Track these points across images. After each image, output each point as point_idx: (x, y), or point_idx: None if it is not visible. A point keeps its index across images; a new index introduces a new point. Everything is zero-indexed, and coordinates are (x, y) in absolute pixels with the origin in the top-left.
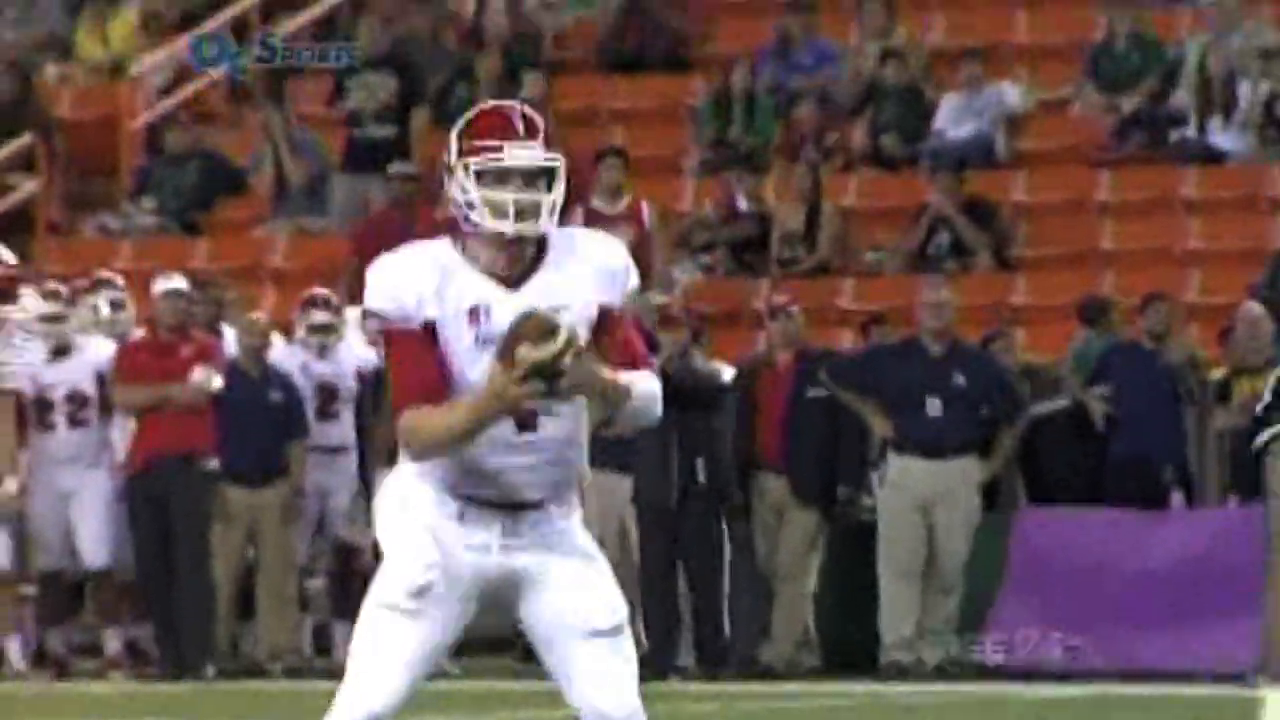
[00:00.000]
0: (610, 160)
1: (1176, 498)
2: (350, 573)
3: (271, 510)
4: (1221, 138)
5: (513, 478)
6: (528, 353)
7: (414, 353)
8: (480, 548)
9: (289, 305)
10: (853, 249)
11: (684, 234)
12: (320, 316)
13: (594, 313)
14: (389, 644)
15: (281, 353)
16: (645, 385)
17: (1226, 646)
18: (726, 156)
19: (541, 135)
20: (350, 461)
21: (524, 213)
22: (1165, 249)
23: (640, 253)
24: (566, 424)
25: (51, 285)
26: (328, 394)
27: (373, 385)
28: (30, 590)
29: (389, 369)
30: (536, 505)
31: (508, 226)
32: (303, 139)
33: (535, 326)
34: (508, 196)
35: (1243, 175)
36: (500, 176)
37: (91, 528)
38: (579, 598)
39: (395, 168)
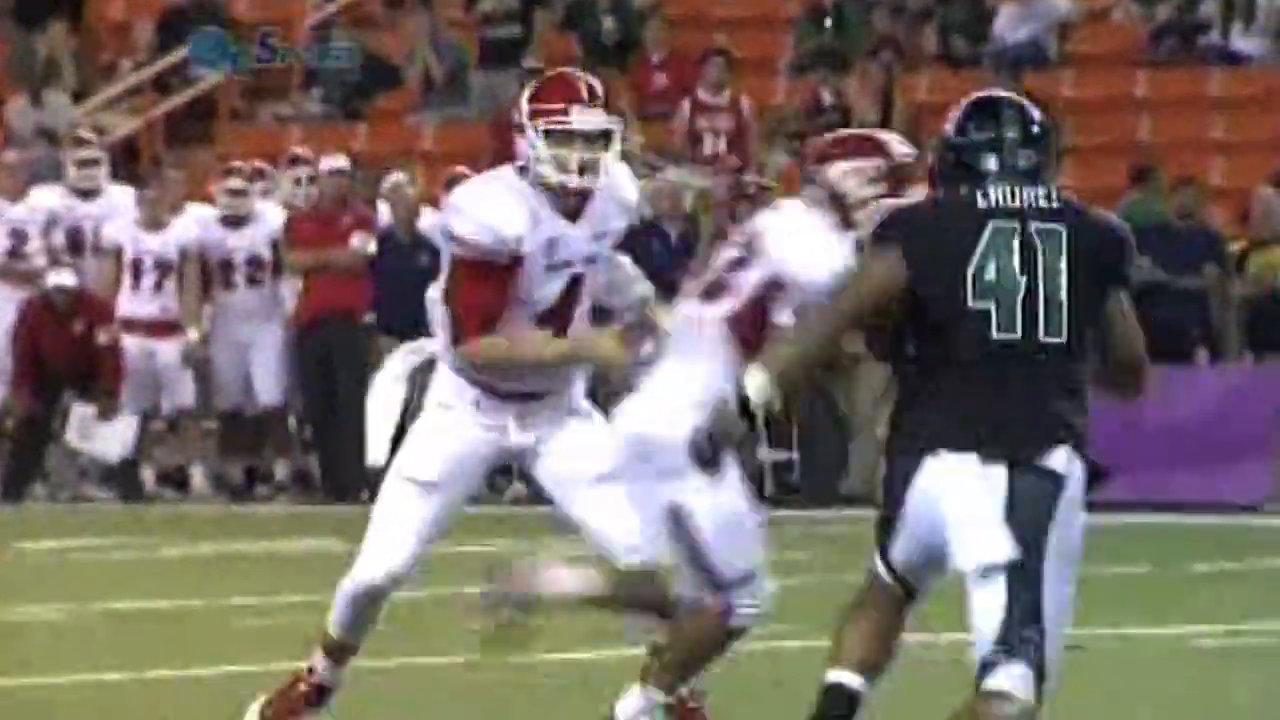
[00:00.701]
0: (715, 60)
1: (1202, 355)
2: None
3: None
4: (1243, 43)
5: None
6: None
7: (493, 282)
8: (498, 428)
9: (436, 183)
10: (923, 139)
11: (776, 125)
12: None
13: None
14: (406, 516)
15: (430, 222)
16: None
17: (1244, 482)
18: (814, 58)
19: (603, 101)
20: None
21: (585, 169)
22: (1194, 140)
23: (739, 139)
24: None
25: (235, 164)
26: None
27: None
28: (212, 425)
29: (459, 288)
30: (544, 394)
31: (572, 180)
32: (445, 39)
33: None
34: (572, 155)
35: (1262, 76)
36: (566, 137)
37: (266, 372)
38: (581, 457)
39: (525, 63)
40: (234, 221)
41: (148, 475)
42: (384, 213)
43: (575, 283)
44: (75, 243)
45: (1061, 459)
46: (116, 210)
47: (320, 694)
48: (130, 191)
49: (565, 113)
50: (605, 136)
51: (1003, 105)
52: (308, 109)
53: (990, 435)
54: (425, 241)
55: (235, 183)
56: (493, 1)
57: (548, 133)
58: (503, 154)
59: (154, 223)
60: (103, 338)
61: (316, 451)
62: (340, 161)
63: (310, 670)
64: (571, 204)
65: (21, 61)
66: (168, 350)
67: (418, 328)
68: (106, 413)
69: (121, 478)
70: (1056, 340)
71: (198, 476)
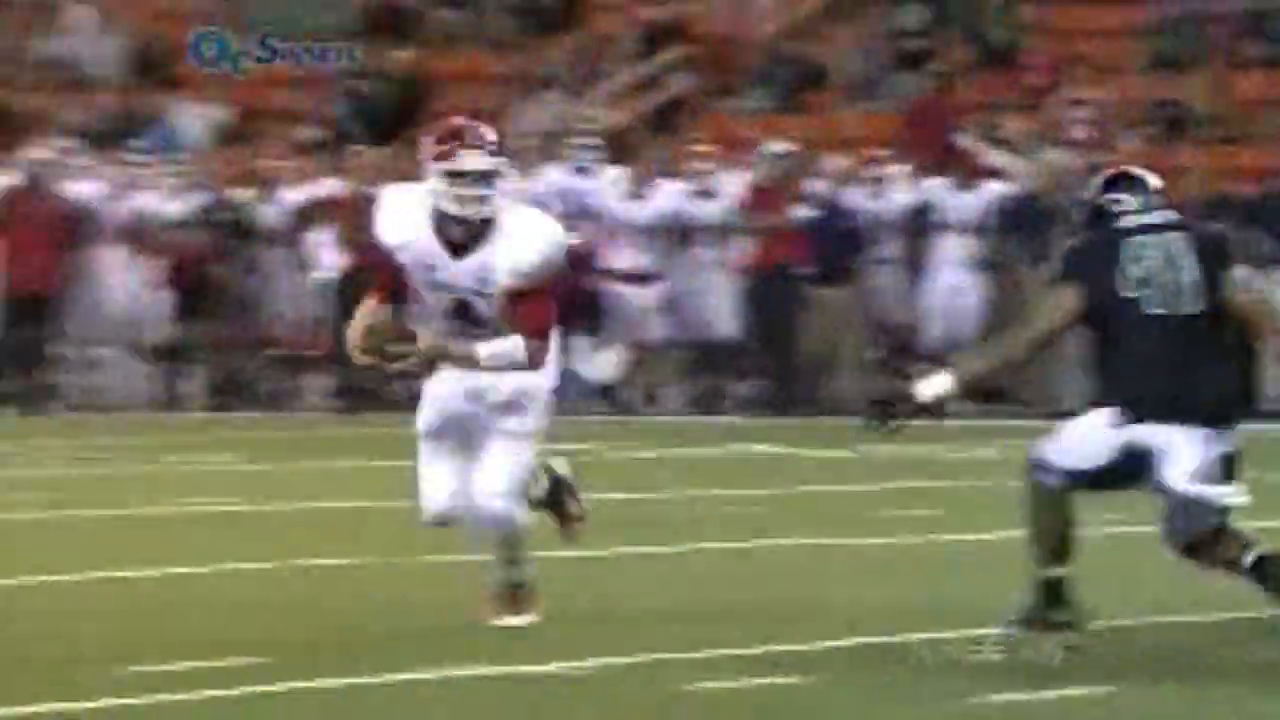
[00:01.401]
0: (1080, 63)
1: None
2: (900, 348)
3: (847, 302)
4: None
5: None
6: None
7: (385, 265)
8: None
9: (860, 162)
10: (1252, 131)
11: (1129, 117)
12: (878, 170)
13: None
14: (429, 462)
15: (852, 194)
16: (498, 349)
17: None
18: (1160, 61)
19: (491, 145)
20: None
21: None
22: None
23: (1100, 128)
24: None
25: (700, 148)
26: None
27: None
28: (681, 354)
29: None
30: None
31: (458, 210)
32: (867, 47)
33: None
34: (464, 191)
35: None
36: (458, 176)
37: (723, 310)
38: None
39: (930, 66)
40: (700, 195)
41: (630, 395)
42: (814, 186)
43: (463, 306)
44: (578, 211)
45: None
46: (608, 186)
47: None
48: (619, 170)
49: (454, 155)
50: (488, 176)
51: (1124, 176)
52: (754, 104)
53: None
54: (849, 208)
55: (701, 164)
56: (906, 17)
57: (446, 172)
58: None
59: (636, 195)
60: (591, 284)
61: (769, 376)
62: (782, 146)
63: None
64: (459, 235)
65: (533, 66)
66: (644, 295)
67: (849, 276)
68: (598, 344)
69: (610, 396)
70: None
71: (669, 395)
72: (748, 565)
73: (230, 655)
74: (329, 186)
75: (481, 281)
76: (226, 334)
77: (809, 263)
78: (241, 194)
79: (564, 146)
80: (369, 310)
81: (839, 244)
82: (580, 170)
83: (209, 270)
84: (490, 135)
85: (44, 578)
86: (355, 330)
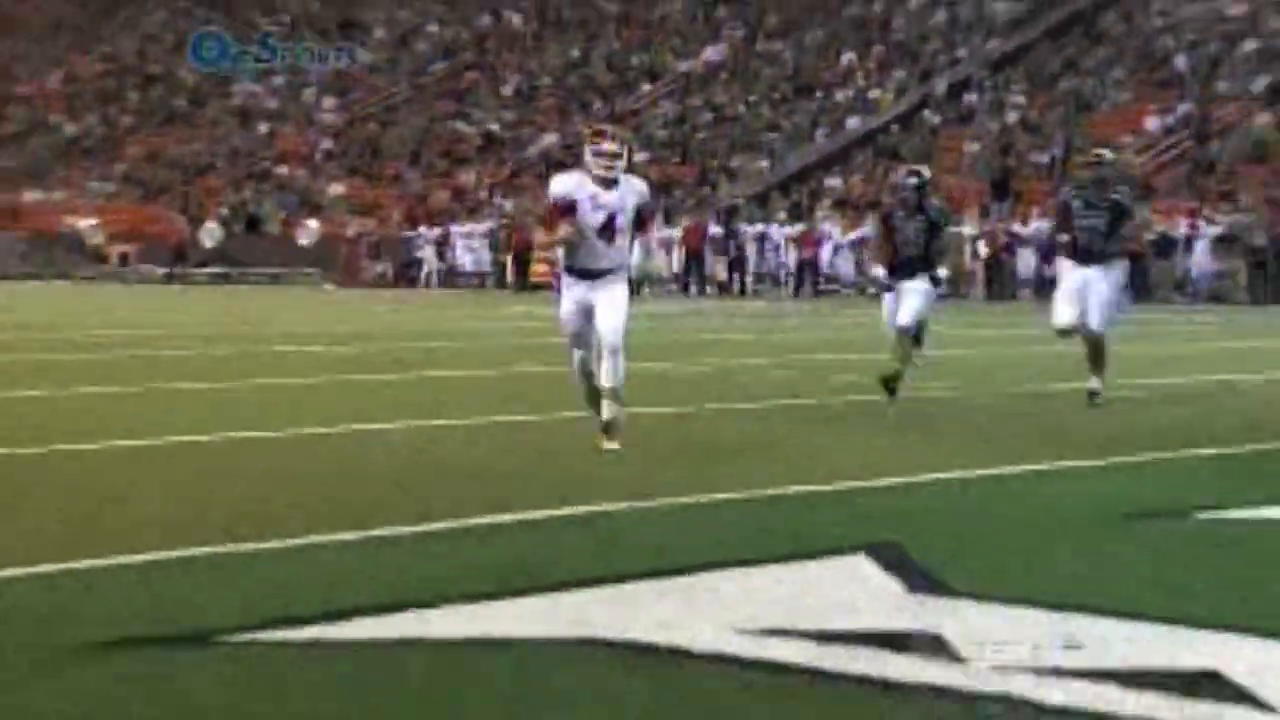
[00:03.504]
0: None
1: None
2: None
3: None
4: None
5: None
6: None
7: (561, 209)
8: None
9: None
10: None
11: None
12: None
13: (637, 204)
14: (570, 343)
15: None
16: (650, 240)
17: None
18: None
19: (618, 138)
20: None
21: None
22: None
23: None
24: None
25: None
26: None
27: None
28: None
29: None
30: (604, 273)
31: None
32: None
33: None
34: (603, 162)
35: None
36: (601, 153)
37: None
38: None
39: None
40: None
41: None
42: None
43: (612, 218)
44: None
45: None
46: None
47: None
48: None
49: (600, 140)
50: (619, 156)
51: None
52: None
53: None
54: None
55: None
56: None
57: (594, 151)
58: None
59: None
60: None
61: None
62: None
63: None
64: (605, 182)
65: None
66: None
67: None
68: None
69: None
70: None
71: None
72: None
73: None
74: None
75: (621, 200)
76: None
77: None
78: None
79: None
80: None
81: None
82: None
83: None
84: (614, 131)
85: None
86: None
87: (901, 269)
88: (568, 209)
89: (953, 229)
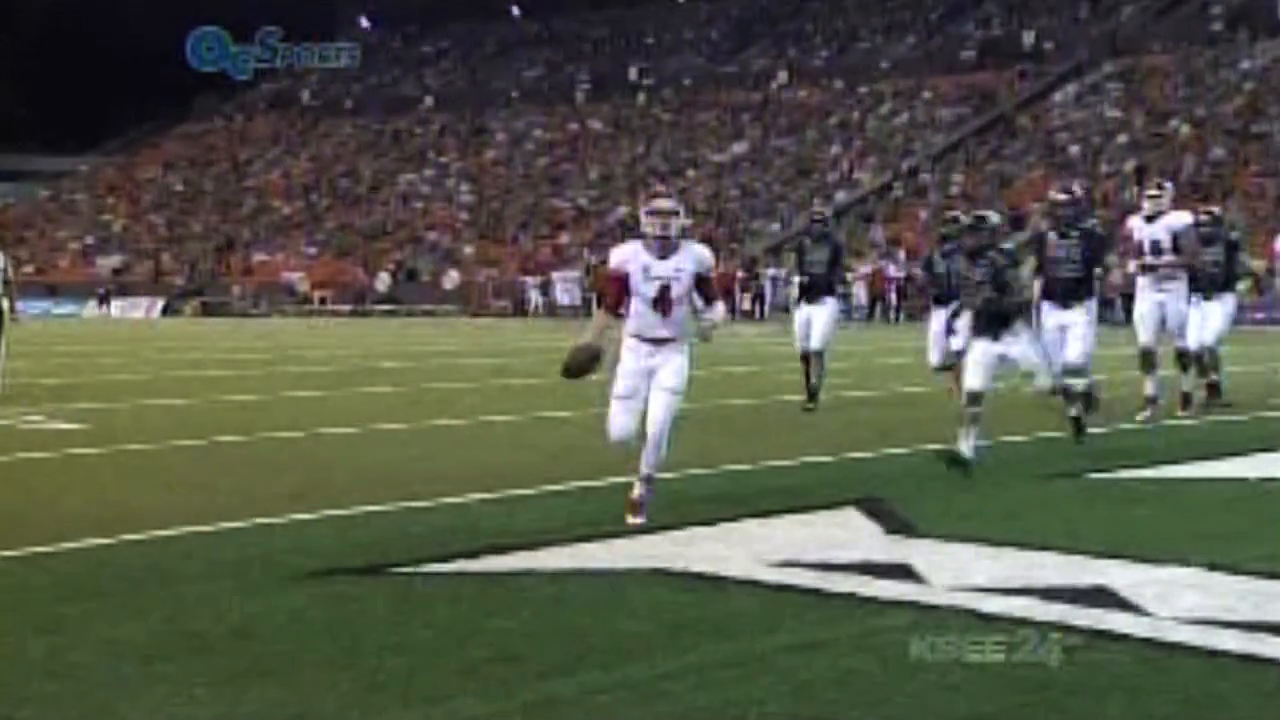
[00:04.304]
0: None
1: None
2: None
3: None
4: None
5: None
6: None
7: (614, 282)
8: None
9: None
10: None
11: None
12: None
13: (696, 272)
14: (618, 404)
15: None
16: (717, 312)
17: None
18: None
19: (672, 198)
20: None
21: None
22: None
23: None
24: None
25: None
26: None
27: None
28: None
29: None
30: (664, 341)
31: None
32: None
33: None
34: (659, 221)
35: None
36: (654, 211)
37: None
38: (665, 376)
39: None
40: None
41: None
42: None
43: (665, 290)
44: None
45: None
46: None
47: None
48: None
49: (653, 202)
50: (674, 214)
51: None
52: None
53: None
54: None
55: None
56: None
57: (649, 212)
58: None
59: None
60: None
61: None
62: None
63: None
64: (658, 248)
65: None
66: None
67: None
68: None
69: None
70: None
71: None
72: None
73: None
74: None
75: (677, 271)
76: None
77: None
78: None
79: None
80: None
81: None
82: None
83: None
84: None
85: None
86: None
87: (1061, 293)
88: (619, 280)
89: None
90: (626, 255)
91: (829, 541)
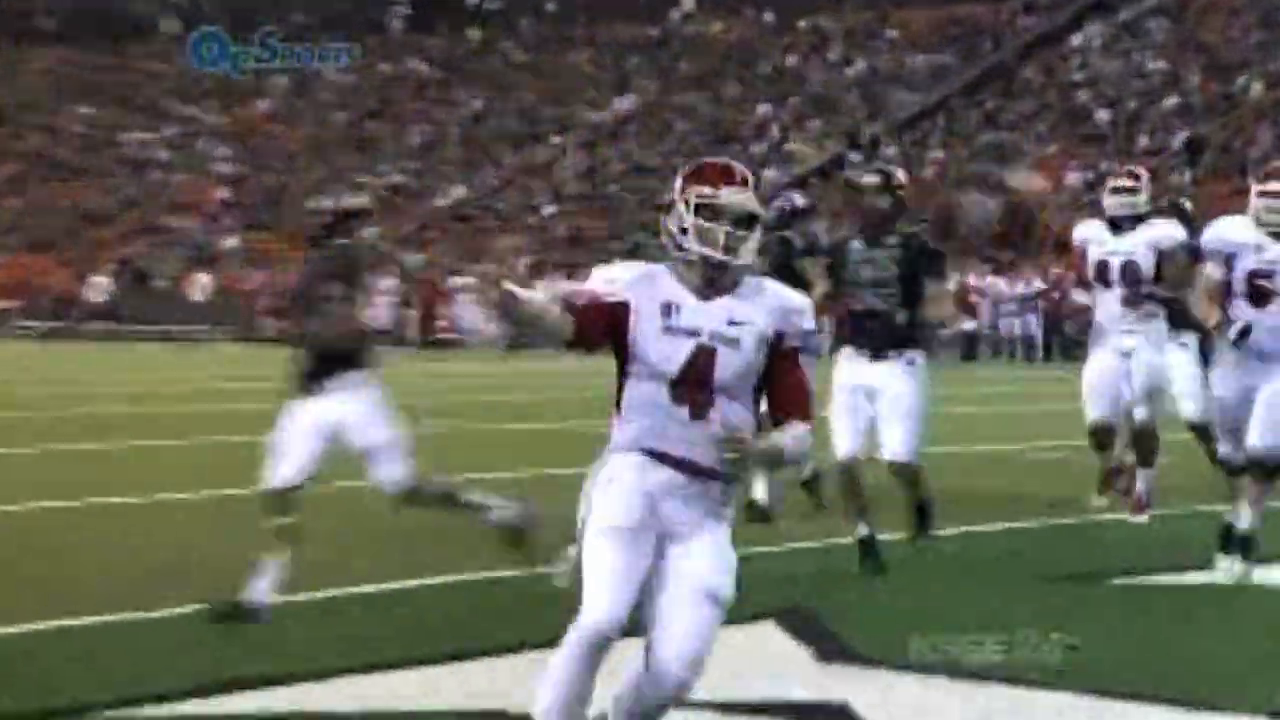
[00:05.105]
0: None
1: None
2: None
3: None
4: None
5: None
6: None
7: (597, 303)
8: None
9: None
10: None
11: None
12: None
13: (770, 335)
14: (604, 563)
15: None
16: (795, 442)
17: None
18: None
19: (752, 186)
20: None
21: (731, 248)
22: None
23: None
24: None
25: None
26: None
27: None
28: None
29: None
30: (687, 468)
31: (716, 254)
32: None
33: None
34: (720, 229)
35: None
36: (715, 212)
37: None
38: (703, 565)
39: None
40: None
41: None
42: None
43: (702, 360)
44: None
45: None
46: None
47: None
48: None
49: (716, 191)
50: (752, 218)
51: None
52: None
53: None
54: None
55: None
56: None
57: (698, 207)
58: None
59: None
60: None
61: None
62: None
63: None
64: (708, 286)
65: None
66: None
67: None
68: None
69: None
70: None
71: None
72: None
73: None
74: None
75: (732, 325)
76: None
77: None
78: None
79: None
80: None
81: None
82: None
83: None
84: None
85: None
86: None
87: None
88: (602, 312)
89: None
90: (636, 277)
91: (740, 671)
